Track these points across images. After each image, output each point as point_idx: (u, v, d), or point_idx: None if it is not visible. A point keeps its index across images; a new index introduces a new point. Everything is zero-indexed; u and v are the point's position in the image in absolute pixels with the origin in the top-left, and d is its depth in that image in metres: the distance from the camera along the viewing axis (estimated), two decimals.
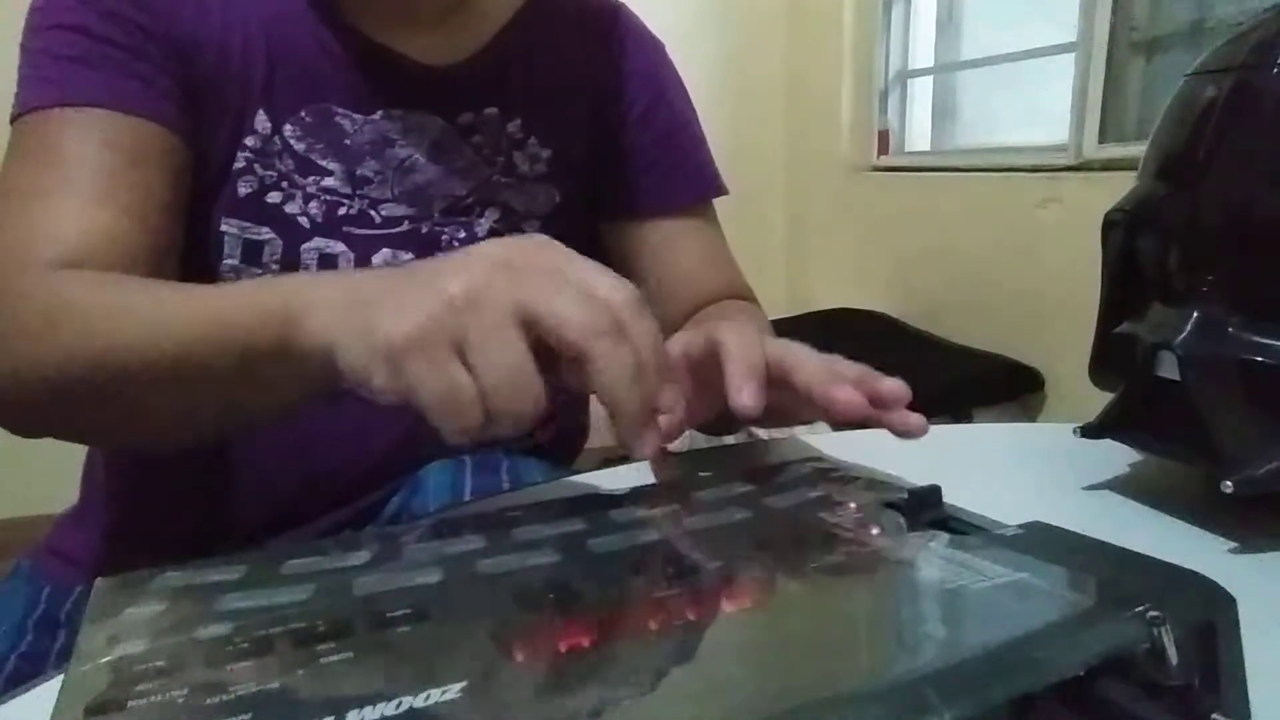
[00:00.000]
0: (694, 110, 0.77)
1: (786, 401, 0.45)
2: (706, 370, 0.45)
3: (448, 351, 0.32)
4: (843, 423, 0.43)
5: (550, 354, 0.34)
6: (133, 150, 0.54)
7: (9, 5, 0.74)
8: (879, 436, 0.46)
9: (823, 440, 0.54)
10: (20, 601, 0.62)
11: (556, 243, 0.37)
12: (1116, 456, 0.51)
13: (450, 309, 0.32)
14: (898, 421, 0.43)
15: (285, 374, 0.40)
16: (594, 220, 0.72)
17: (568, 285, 0.34)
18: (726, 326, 0.46)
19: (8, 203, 0.53)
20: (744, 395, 0.40)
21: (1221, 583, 0.27)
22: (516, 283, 0.33)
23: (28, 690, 0.33)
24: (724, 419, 0.50)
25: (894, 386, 0.43)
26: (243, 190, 0.59)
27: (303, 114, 0.60)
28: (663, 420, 0.43)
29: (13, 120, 0.55)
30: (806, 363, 0.44)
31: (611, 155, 0.71)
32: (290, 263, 0.60)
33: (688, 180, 0.74)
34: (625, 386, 0.33)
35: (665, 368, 0.36)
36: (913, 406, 0.44)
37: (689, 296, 0.72)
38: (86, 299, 0.47)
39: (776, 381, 0.44)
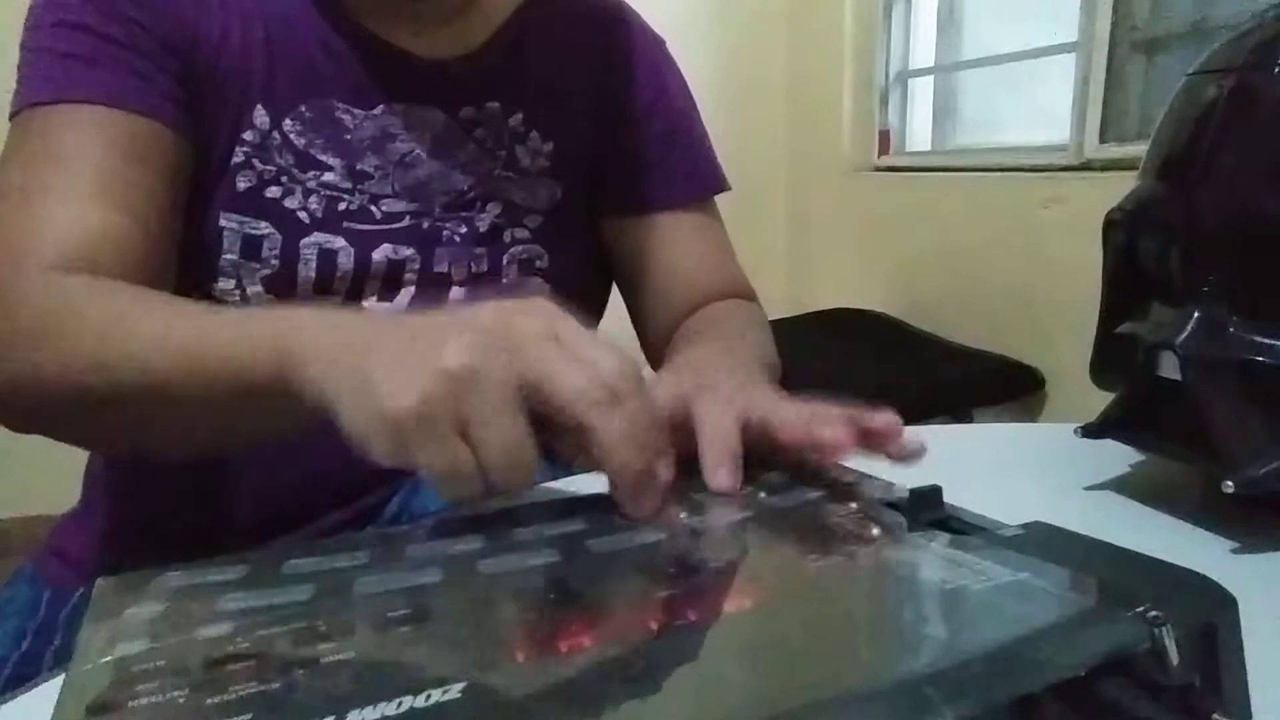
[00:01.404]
0: (695, 107, 0.77)
1: (764, 454, 0.44)
2: (682, 425, 0.45)
3: (448, 429, 0.33)
4: (835, 461, 0.43)
5: (543, 417, 0.35)
6: (130, 148, 0.54)
7: (9, 5, 0.74)
8: None
9: None
10: (21, 607, 0.62)
11: (553, 306, 0.37)
12: (1117, 456, 0.51)
13: (450, 387, 0.33)
14: (895, 452, 0.42)
15: (281, 410, 0.40)
16: (595, 215, 0.72)
17: (565, 354, 0.34)
18: (705, 395, 0.45)
19: (6, 200, 0.53)
20: (718, 478, 0.41)
21: (1222, 583, 0.27)
22: (514, 355, 0.34)
23: (28, 690, 0.33)
24: None
25: (885, 421, 0.43)
26: (241, 185, 0.59)
27: (302, 109, 0.60)
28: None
29: (12, 116, 0.55)
30: (786, 418, 0.43)
31: (613, 151, 0.71)
32: (289, 258, 0.60)
33: (689, 176, 0.74)
34: (625, 454, 0.34)
35: (660, 432, 0.37)
36: (915, 406, 0.44)
37: (689, 293, 0.72)
38: (83, 308, 0.47)
39: (755, 437, 0.43)
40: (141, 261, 0.53)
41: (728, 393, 0.46)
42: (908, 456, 0.42)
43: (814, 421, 0.43)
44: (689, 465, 0.49)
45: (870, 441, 0.42)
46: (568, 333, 0.36)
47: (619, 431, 0.34)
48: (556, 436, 0.35)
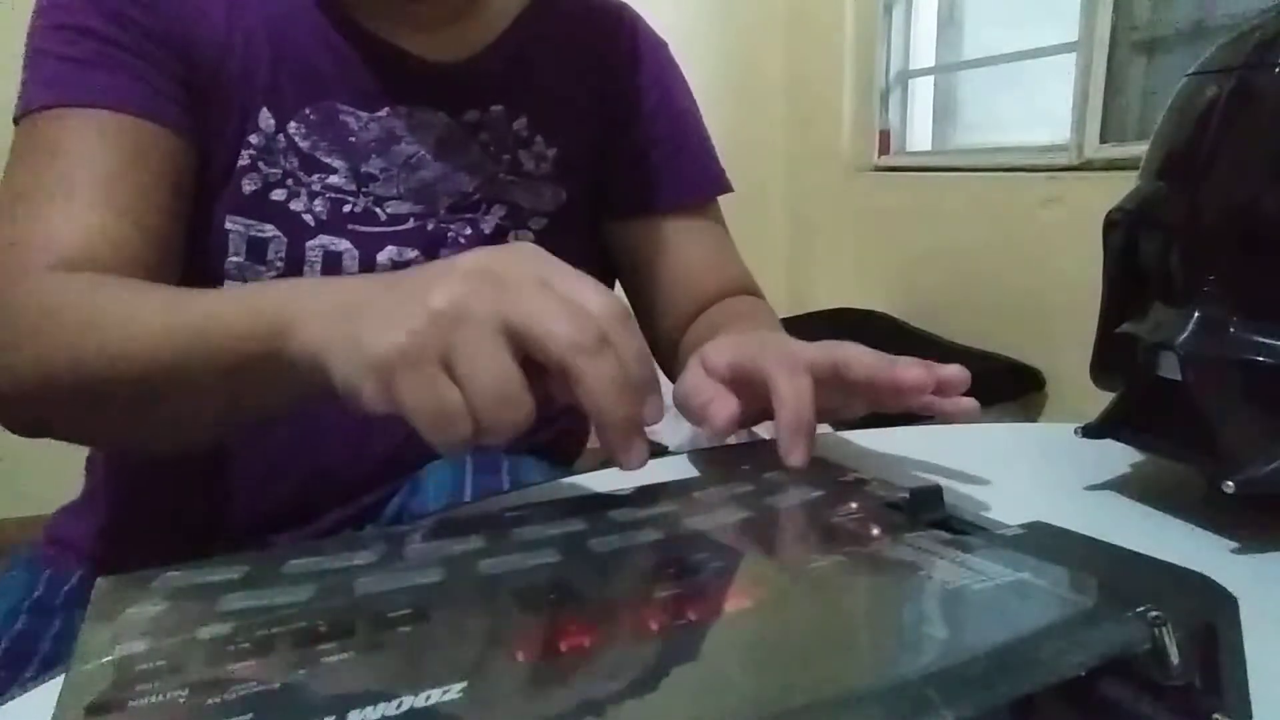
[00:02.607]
0: (698, 109, 0.77)
1: (836, 401, 0.46)
2: (748, 382, 0.46)
3: (435, 367, 0.32)
4: (904, 407, 0.43)
5: (540, 365, 0.34)
6: (133, 152, 0.54)
7: (9, 6, 0.74)
8: (880, 436, 0.46)
9: (824, 440, 0.54)
10: (17, 587, 0.62)
11: (543, 251, 0.37)
12: (1117, 456, 0.50)
13: (435, 323, 0.32)
14: (954, 408, 0.43)
15: (277, 381, 0.40)
16: (599, 218, 0.73)
17: (553, 298, 0.34)
18: (773, 352, 0.45)
19: (11, 205, 0.53)
20: (794, 456, 0.41)
21: (1223, 583, 0.27)
22: (501, 295, 0.33)
23: (28, 690, 0.33)
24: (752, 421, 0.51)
25: (956, 372, 0.43)
26: (247, 188, 0.59)
27: (307, 112, 0.60)
28: (719, 419, 0.44)
29: (16, 120, 0.55)
30: (861, 358, 0.44)
31: (617, 154, 0.71)
32: (295, 260, 0.60)
33: (693, 178, 0.74)
34: (610, 401, 0.33)
35: (650, 379, 0.36)
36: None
37: (696, 293, 0.72)
38: (81, 301, 0.47)
39: (827, 384, 0.44)
40: (144, 265, 0.53)
41: (796, 352, 0.46)
42: (967, 414, 0.44)
43: (888, 363, 0.43)
44: (700, 458, 0.49)
45: (940, 391, 0.43)
46: (555, 275, 0.35)
47: (604, 377, 0.33)
48: (545, 381, 0.34)
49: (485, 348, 0.32)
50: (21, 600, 0.61)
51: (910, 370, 0.42)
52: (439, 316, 0.32)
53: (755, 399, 0.46)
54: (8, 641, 0.58)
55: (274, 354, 0.38)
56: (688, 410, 0.50)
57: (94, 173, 0.53)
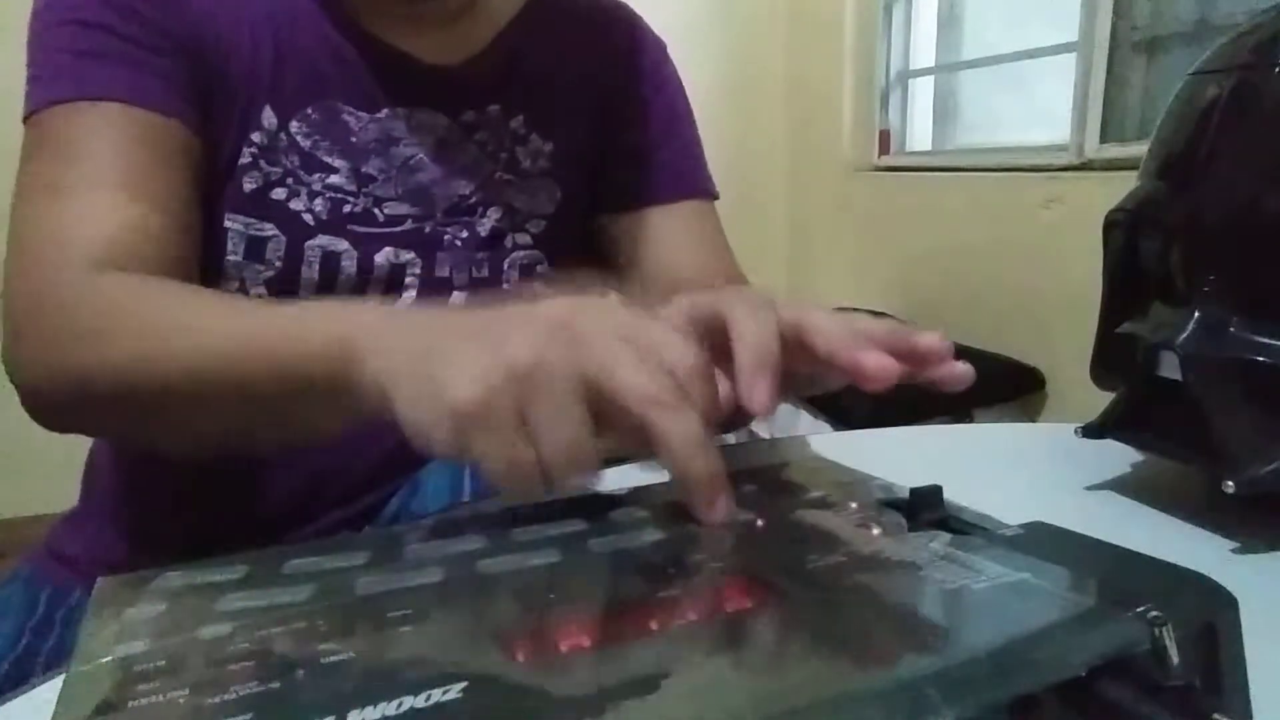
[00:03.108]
0: (691, 113, 0.77)
1: (800, 366, 0.41)
2: (710, 331, 0.41)
3: (512, 423, 0.32)
4: (876, 389, 0.40)
5: (602, 411, 0.34)
6: (154, 144, 0.54)
7: (11, 6, 0.74)
8: (880, 436, 0.46)
9: (824, 440, 0.54)
10: (18, 606, 0.62)
11: (619, 301, 0.37)
12: (1118, 456, 0.50)
13: (513, 380, 0.32)
14: (942, 376, 0.41)
15: (337, 404, 0.39)
16: (592, 214, 0.72)
17: (632, 351, 0.33)
18: (735, 299, 0.42)
19: (32, 200, 0.53)
20: (755, 395, 0.37)
21: (1223, 583, 0.27)
22: (578, 351, 0.33)
23: (28, 690, 0.33)
24: (732, 418, 0.49)
25: (932, 341, 0.41)
26: (248, 186, 0.59)
27: (309, 111, 0.60)
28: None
29: (27, 118, 0.55)
30: (825, 326, 0.41)
31: (611, 149, 0.71)
32: (293, 260, 0.60)
33: (682, 173, 0.74)
34: (692, 455, 0.33)
35: (719, 439, 0.35)
36: (915, 406, 0.44)
37: (685, 288, 0.72)
38: (133, 305, 0.47)
39: (794, 347, 0.40)
40: (174, 256, 0.53)
41: (761, 298, 0.42)
42: (955, 380, 0.41)
43: (856, 340, 0.40)
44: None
45: (915, 364, 0.40)
46: (635, 328, 0.35)
47: (685, 434, 0.33)
48: (620, 433, 0.34)
49: (562, 407, 0.32)
50: (24, 621, 0.61)
51: (871, 357, 0.39)
52: (518, 373, 0.32)
53: (717, 350, 0.40)
54: (9, 665, 0.58)
55: (341, 378, 0.38)
56: None
57: (118, 164, 0.53)
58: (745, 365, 0.38)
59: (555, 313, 0.35)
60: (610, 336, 0.34)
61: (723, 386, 0.38)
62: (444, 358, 0.34)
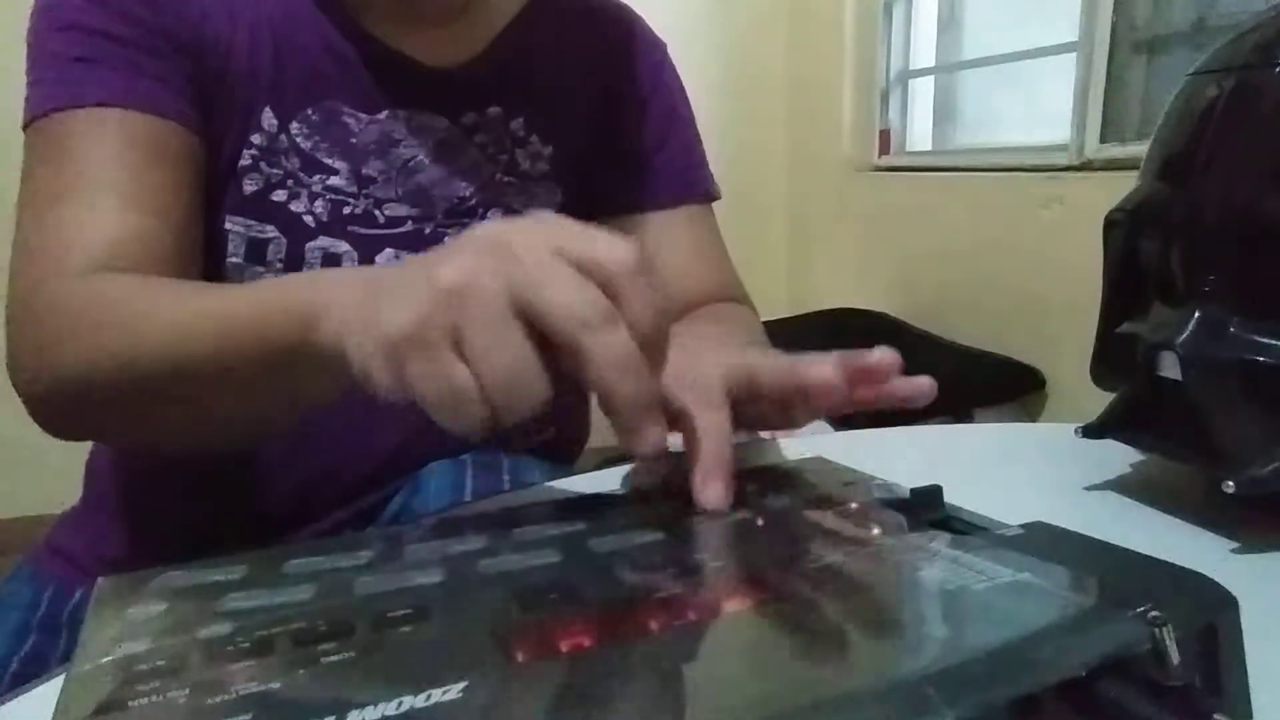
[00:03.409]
0: (692, 114, 0.77)
1: (772, 412, 0.43)
2: (670, 415, 0.42)
3: (445, 348, 0.31)
4: (835, 411, 0.41)
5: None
6: (153, 150, 0.54)
7: (11, 7, 0.74)
8: (880, 436, 0.46)
9: (824, 440, 0.54)
10: (23, 603, 0.62)
11: (555, 217, 0.35)
12: (1118, 456, 0.50)
13: (443, 302, 0.31)
14: (901, 390, 0.41)
15: (311, 372, 0.39)
16: (591, 217, 0.72)
17: (561, 266, 0.32)
18: (692, 389, 0.42)
19: (35, 207, 0.53)
20: (708, 496, 0.37)
21: (1223, 583, 0.27)
22: (510, 267, 0.31)
23: (29, 690, 0.33)
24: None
25: (881, 357, 0.41)
26: (248, 188, 0.59)
27: (309, 112, 0.60)
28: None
29: (26, 125, 0.55)
30: (765, 366, 0.42)
31: (611, 152, 0.71)
32: (294, 262, 0.60)
33: (681, 178, 0.74)
34: (618, 378, 0.31)
35: (663, 341, 0.33)
36: (915, 406, 0.44)
37: (682, 294, 0.72)
38: (120, 302, 0.47)
39: (744, 398, 0.42)
40: (172, 259, 0.53)
41: (714, 371, 0.43)
42: (917, 394, 0.41)
43: (799, 366, 0.41)
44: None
45: (868, 382, 0.41)
46: (570, 238, 0.33)
47: (609, 354, 0.31)
48: (563, 359, 0.32)
49: (494, 325, 0.31)
50: (29, 618, 0.61)
51: (812, 369, 0.40)
52: (446, 294, 0.31)
53: (680, 427, 0.42)
54: (18, 664, 0.58)
55: (305, 346, 0.38)
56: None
57: (116, 171, 0.53)
58: (699, 467, 0.39)
59: (488, 233, 0.34)
60: (543, 251, 0.32)
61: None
62: (381, 296, 0.33)
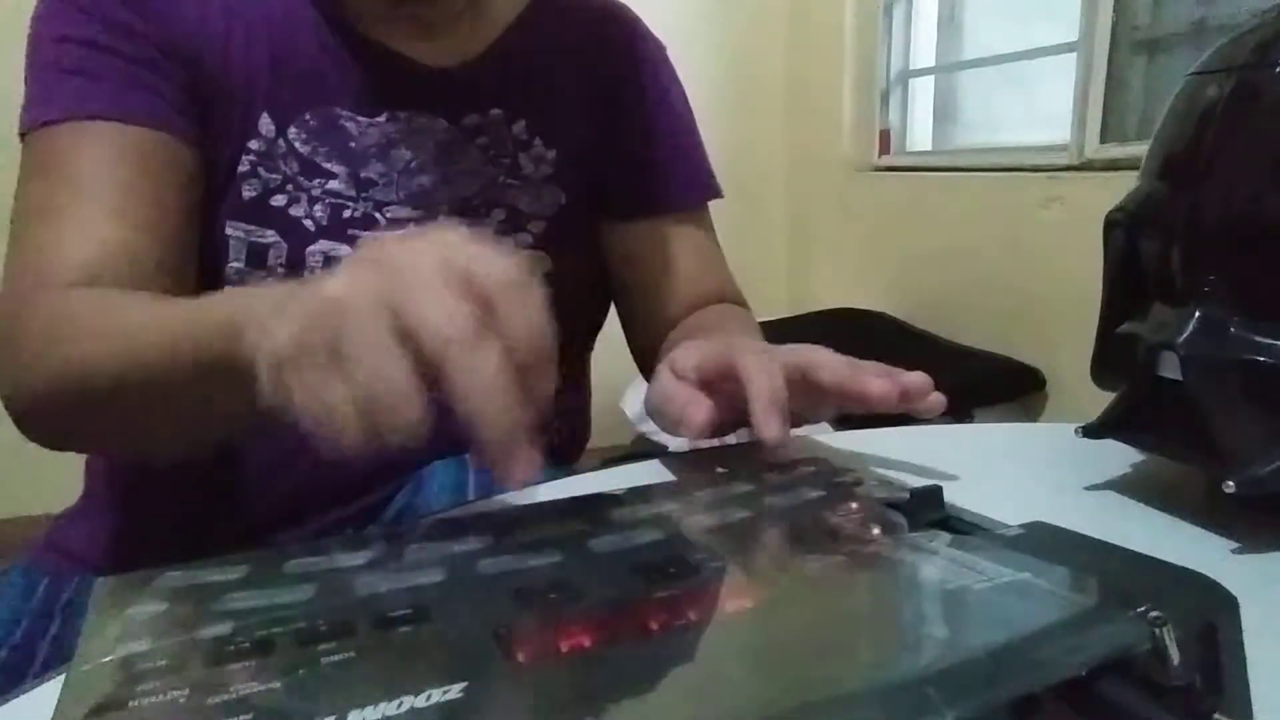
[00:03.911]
0: (693, 114, 0.77)
1: (803, 403, 0.47)
2: (720, 384, 0.47)
3: (319, 360, 0.30)
4: (870, 412, 0.46)
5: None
6: (144, 163, 0.54)
7: (12, 6, 0.74)
8: (880, 436, 0.46)
9: (824, 441, 0.54)
10: (15, 594, 0.62)
11: (453, 230, 0.34)
12: (1118, 457, 0.50)
13: (322, 316, 0.30)
14: (924, 408, 0.46)
15: (233, 387, 0.37)
16: (595, 220, 0.73)
17: (435, 281, 0.30)
18: (740, 347, 0.47)
19: (25, 221, 0.53)
20: (770, 429, 0.42)
21: (1223, 583, 0.27)
22: (391, 283, 0.30)
23: (29, 690, 0.33)
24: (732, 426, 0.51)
25: (918, 381, 0.46)
26: (247, 194, 0.59)
27: (307, 117, 0.60)
28: (694, 422, 0.45)
29: (23, 135, 0.55)
30: (829, 362, 0.46)
31: (613, 156, 0.71)
32: (295, 266, 0.60)
33: (684, 182, 0.74)
34: (482, 401, 0.30)
35: (543, 360, 0.32)
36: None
37: (683, 298, 0.72)
38: (88, 315, 0.48)
39: (796, 386, 0.45)
40: (158, 273, 0.54)
41: (763, 345, 0.48)
42: (930, 409, 0.46)
43: (857, 372, 0.45)
44: (690, 460, 0.49)
45: (904, 399, 0.45)
46: (456, 257, 0.31)
47: (473, 376, 0.29)
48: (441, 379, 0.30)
49: (368, 340, 0.30)
50: (20, 608, 0.61)
51: (876, 383, 0.44)
52: (327, 306, 0.30)
53: (728, 398, 0.47)
54: (7, 651, 0.58)
55: (232, 358, 0.36)
56: (662, 418, 0.50)
57: (107, 186, 0.53)
58: (759, 402, 0.43)
59: (384, 248, 0.33)
60: (428, 267, 0.31)
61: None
62: (282, 308, 0.33)
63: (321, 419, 0.30)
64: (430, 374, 0.30)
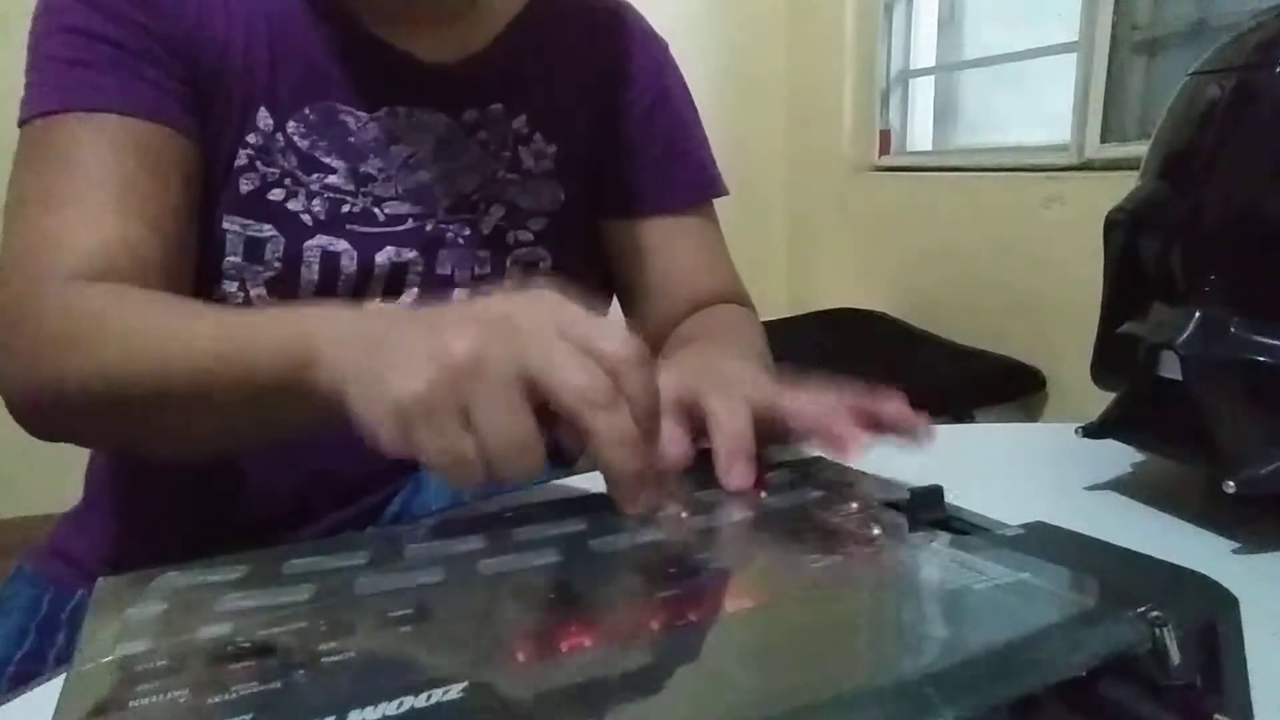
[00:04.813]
0: (695, 110, 0.77)
1: (773, 441, 0.46)
2: (695, 411, 0.46)
3: (452, 417, 0.33)
4: (843, 457, 0.45)
5: (549, 409, 0.35)
6: (144, 155, 0.54)
7: (12, 5, 0.74)
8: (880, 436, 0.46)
9: None
10: (23, 604, 0.62)
11: (557, 296, 0.37)
12: (1118, 457, 0.50)
13: (455, 373, 0.33)
14: (907, 438, 0.45)
15: (300, 406, 0.40)
16: (596, 217, 0.72)
17: (569, 347, 0.34)
18: (713, 381, 0.47)
19: (23, 211, 0.53)
20: (732, 477, 0.41)
21: (1223, 583, 0.27)
22: (519, 346, 0.34)
23: (29, 690, 0.33)
24: None
25: (892, 410, 0.45)
26: (245, 188, 0.59)
27: (306, 111, 0.60)
28: (671, 460, 0.45)
29: (21, 124, 0.55)
30: (803, 412, 0.46)
31: (614, 153, 0.71)
32: (292, 260, 0.60)
33: (688, 181, 0.74)
34: (618, 456, 0.34)
35: (657, 423, 0.37)
36: (915, 406, 0.45)
37: (686, 296, 0.72)
38: (105, 314, 0.47)
39: (764, 425, 0.45)
40: (159, 267, 0.53)
41: (736, 383, 0.47)
42: (919, 441, 0.45)
43: (826, 414, 0.45)
44: (695, 460, 0.49)
45: (881, 429, 0.44)
46: (573, 325, 0.35)
47: (614, 433, 0.34)
48: (562, 429, 0.35)
49: (501, 400, 0.33)
50: (29, 619, 0.61)
51: (849, 431, 0.44)
52: (458, 367, 0.33)
53: (698, 431, 0.47)
54: (16, 665, 0.58)
55: (298, 382, 0.39)
56: None
57: (106, 178, 0.53)
58: (722, 449, 0.43)
59: (497, 309, 0.36)
60: (549, 332, 0.35)
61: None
62: (390, 355, 0.35)
63: (450, 469, 0.33)
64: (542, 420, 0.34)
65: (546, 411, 0.34)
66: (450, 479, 0.34)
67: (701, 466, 0.50)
